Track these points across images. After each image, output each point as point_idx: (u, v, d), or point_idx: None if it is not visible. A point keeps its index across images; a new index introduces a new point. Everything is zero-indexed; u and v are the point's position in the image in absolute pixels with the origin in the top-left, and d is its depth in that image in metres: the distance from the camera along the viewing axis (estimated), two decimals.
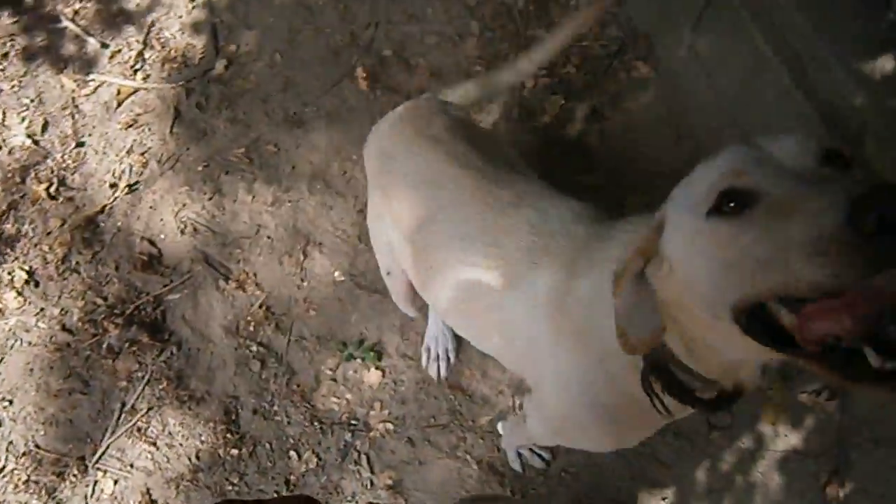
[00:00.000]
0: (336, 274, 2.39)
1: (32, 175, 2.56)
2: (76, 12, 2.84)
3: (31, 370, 2.32)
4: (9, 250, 2.47)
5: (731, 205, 0.81)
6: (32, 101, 2.70)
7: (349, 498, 2.16)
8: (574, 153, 2.51)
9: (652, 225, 0.96)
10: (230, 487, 2.17)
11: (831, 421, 2.16)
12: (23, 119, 2.66)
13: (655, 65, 2.67)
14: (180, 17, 2.76)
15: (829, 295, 0.69)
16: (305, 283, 2.39)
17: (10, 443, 2.26)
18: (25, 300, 2.39)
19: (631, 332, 0.99)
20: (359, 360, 2.28)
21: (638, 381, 1.07)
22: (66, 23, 2.80)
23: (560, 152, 2.51)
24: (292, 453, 2.21)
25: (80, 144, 2.56)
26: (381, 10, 2.80)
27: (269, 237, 2.44)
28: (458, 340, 2.24)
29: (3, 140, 2.64)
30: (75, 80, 2.70)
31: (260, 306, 2.35)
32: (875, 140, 1.84)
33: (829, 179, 0.76)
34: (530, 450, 2.14)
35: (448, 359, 2.24)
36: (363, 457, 2.19)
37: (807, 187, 0.75)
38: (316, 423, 2.23)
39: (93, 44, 2.76)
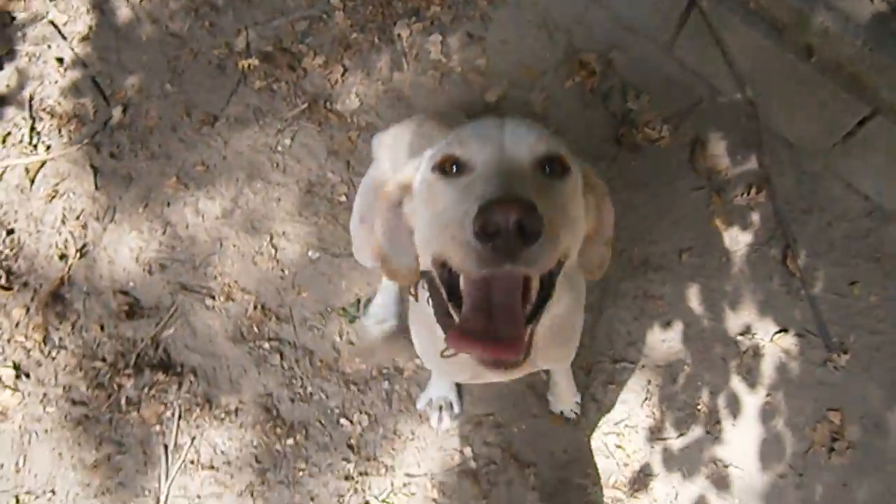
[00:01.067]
0: (310, 253, 2.50)
1: None
2: None
3: (60, 454, 2.27)
4: None
5: (453, 168, 0.95)
6: None
7: (410, 437, 2.29)
8: (467, 77, 2.73)
9: (415, 165, 1.09)
10: (301, 473, 2.25)
11: (766, 209, 2.52)
12: None
13: None
14: (56, 82, 2.73)
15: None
16: (286, 272, 2.47)
17: None
18: (23, 394, 2.33)
19: (390, 254, 1.12)
20: (363, 317, 2.41)
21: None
22: None
23: (451, 83, 2.73)
24: (343, 421, 2.31)
25: (10, 232, 2.50)
26: (245, 15, 2.90)
27: (234, 245, 2.50)
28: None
29: None
30: None
31: (255, 307, 2.42)
32: None
33: (511, 178, 0.86)
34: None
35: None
36: (407, 395, 2.33)
37: (490, 180, 0.85)
38: (352, 387, 2.34)
39: None
